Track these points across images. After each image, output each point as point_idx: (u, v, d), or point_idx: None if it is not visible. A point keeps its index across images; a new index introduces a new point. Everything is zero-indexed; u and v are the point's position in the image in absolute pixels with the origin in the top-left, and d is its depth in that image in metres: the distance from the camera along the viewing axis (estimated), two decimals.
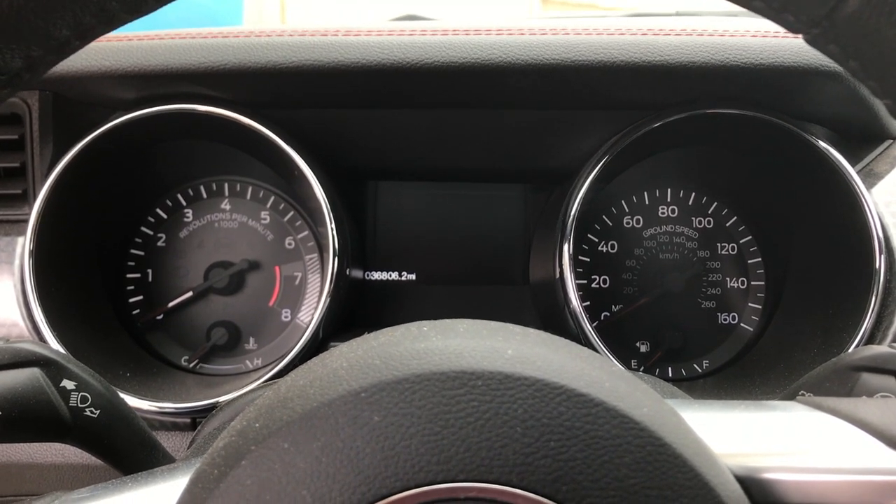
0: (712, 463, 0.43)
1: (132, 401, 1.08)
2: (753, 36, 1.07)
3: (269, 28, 1.11)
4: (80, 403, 0.67)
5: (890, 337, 1.06)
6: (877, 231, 1.07)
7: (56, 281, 1.14)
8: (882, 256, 1.07)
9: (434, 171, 1.41)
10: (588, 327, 1.14)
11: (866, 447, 0.48)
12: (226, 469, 0.42)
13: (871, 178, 1.13)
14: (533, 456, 0.39)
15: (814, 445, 0.50)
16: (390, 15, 1.85)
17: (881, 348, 0.67)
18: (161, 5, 0.47)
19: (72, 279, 1.20)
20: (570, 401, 0.41)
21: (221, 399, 1.08)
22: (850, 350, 1.04)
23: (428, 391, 0.41)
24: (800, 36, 0.48)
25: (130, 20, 0.46)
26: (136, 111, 1.12)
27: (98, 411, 0.68)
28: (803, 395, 0.72)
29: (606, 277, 1.42)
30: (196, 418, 1.10)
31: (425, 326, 0.48)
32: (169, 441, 1.13)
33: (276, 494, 0.40)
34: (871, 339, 1.07)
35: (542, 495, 0.39)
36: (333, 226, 1.15)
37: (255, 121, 1.14)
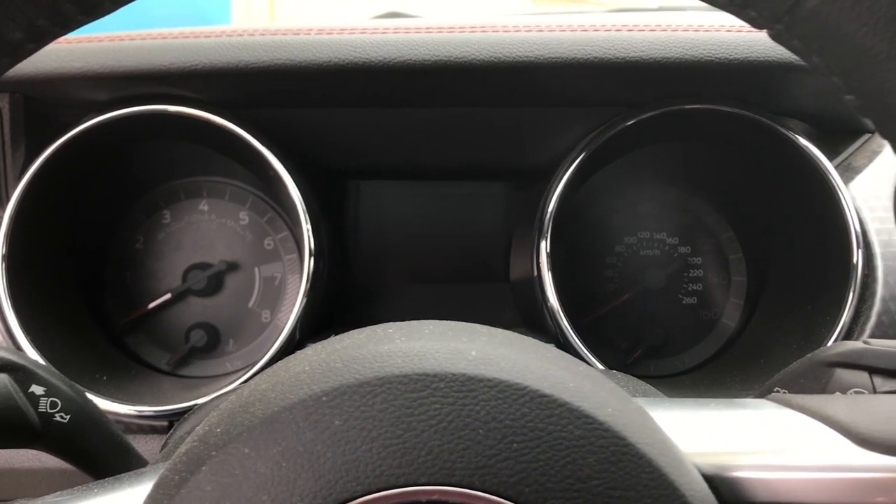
0: (678, 462, 0.43)
1: (109, 404, 1.07)
2: (728, 31, 1.07)
3: (241, 27, 1.10)
4: (50, 409, 0.67)
5: (868, 332, 1.06)
6: (854, 226, 1.07)
7: (30, 285, 1.13)
8: (860, 251, 1.07)
9: (414, 169, 1.40)
10: (566, 325, 1.13)
11: (834, 444, 0.48)
12: (187, 475, 0.42)
13: (850, 172, 1.13)
14: (495, 458, 0.39)
15: (782, 443, 0.50)
16: (374, 11, 1.85)
17: (854, 344, 0.67)
18: (119, 6, 0.46)
19: (47, 283, 1.19)
20: (533, 402, 0.41)
21: (199, 401, 1.08)
22: (826, 346, 1.04)
23: (390, 394, 0.41)
24: (765, 31, 0.48)
25: (87, 22, 0.46)
26: (109, 113, 1.11)
27: (68, 416, 0.68)
28: (778, 391, 0.72)
29: (587, 274, 1.42)
30: (173, 421, 1.10)
31: (391, 328, 0.48)
32: (146, 444, 1.12)
33: (236, 499, 0.40)
34: (849, 333, 1.07)
35: (504, 497, 0.39)
36: (309, 226, 1.15)
37: (230, 121, 1.13)
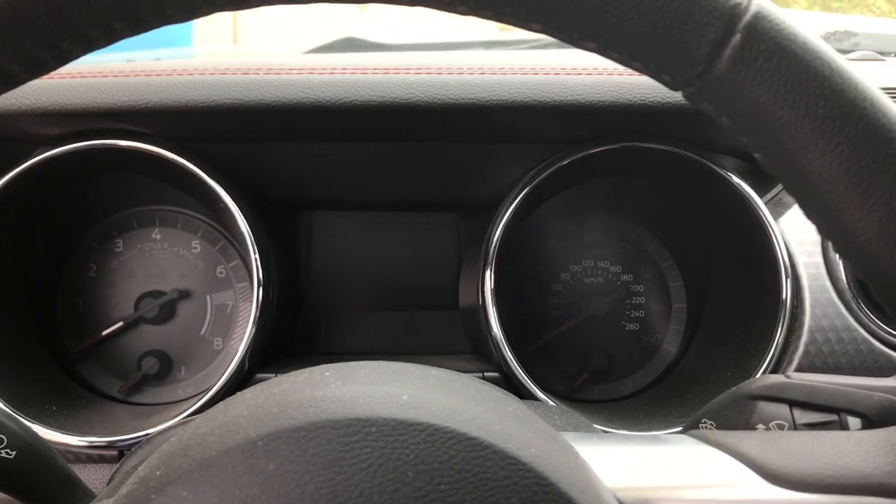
0: (598, 499, 0.45)
1: (58, 436, 1.07)
2: None
3: (192, 65, 1.11)
4: None
5: (796, 361, 1.10)
6: (783, 259, 1.11)
7: None
8: (788, 282, 1.11)
9: (365, 201, 1.43)
10: (509, 355, 1.16)
11: (745, 480, 0.52)
12: None
13: (780, 207, 1.18)
14: (423, 500, 0.41)
15: (697, 478, 0.53)
16: (332, 35, 1.86)
17: (777, 378, 0.70)
18: (62, 65, 0.48)
19: None
20: (460, 444, 0.43)
21: (150, 431, 1.08)
22: (756, 376, 1.08)
23: (322, 439, 0.42)
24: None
25: (31, 80, 0.48)
26: (60, 147, 1.12)
27: (14, 452, 0.68)
28: (705, 422, 0.75)
29: (533, 302, 1.45)
30: (122, 450, 1.10)
31: (328, 371, 0.50)
32: (96, 473, 1.12)
33: None
34: (778, 363, 1.11)
35: None
36: (257, 256, 1.16)
37: (180, 155, 1.14)
